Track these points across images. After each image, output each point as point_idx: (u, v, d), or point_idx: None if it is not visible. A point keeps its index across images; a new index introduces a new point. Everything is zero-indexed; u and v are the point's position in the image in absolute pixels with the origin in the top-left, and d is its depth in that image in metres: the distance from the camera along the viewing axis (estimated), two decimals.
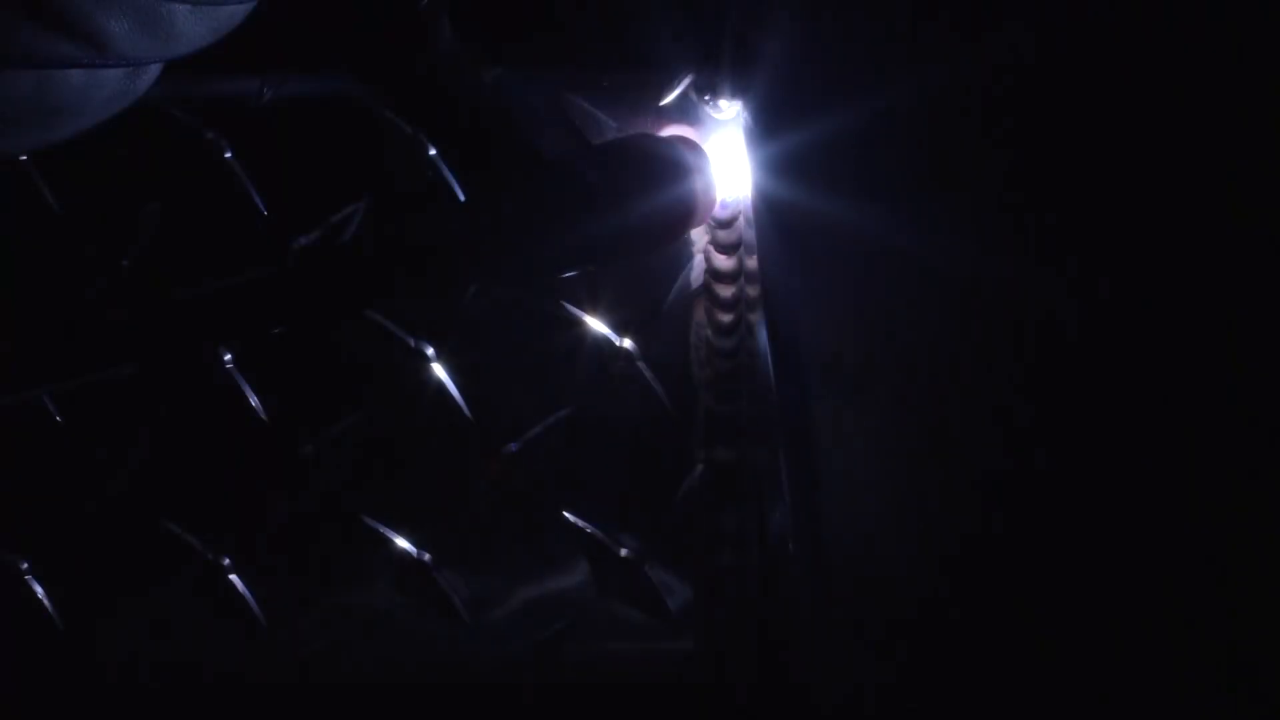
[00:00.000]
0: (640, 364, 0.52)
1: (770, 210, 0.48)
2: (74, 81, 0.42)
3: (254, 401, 0.53)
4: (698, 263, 0.52)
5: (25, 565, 0.54)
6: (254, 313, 0.40)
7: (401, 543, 0.53)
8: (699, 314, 0.52)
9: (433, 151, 0.53)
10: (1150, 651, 0.23)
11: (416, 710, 0.54)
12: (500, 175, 0.44)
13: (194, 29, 0.42)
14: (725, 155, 0.50)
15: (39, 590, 0.54)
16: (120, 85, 0.44)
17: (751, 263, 0.51)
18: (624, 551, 0.52)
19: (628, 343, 0.52)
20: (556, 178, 0.42)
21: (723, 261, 0.52)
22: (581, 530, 0.52)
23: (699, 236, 0.52)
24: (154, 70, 0.46)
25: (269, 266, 0.40)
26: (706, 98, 0.51)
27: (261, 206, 0.53)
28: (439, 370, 0.53)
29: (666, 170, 0.45)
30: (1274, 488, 0.19)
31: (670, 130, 0.51)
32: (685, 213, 0.46)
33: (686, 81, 0.52)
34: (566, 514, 0.53)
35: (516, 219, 0.41)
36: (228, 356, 0.53)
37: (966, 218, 0.32)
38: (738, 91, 0.50)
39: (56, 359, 0.40)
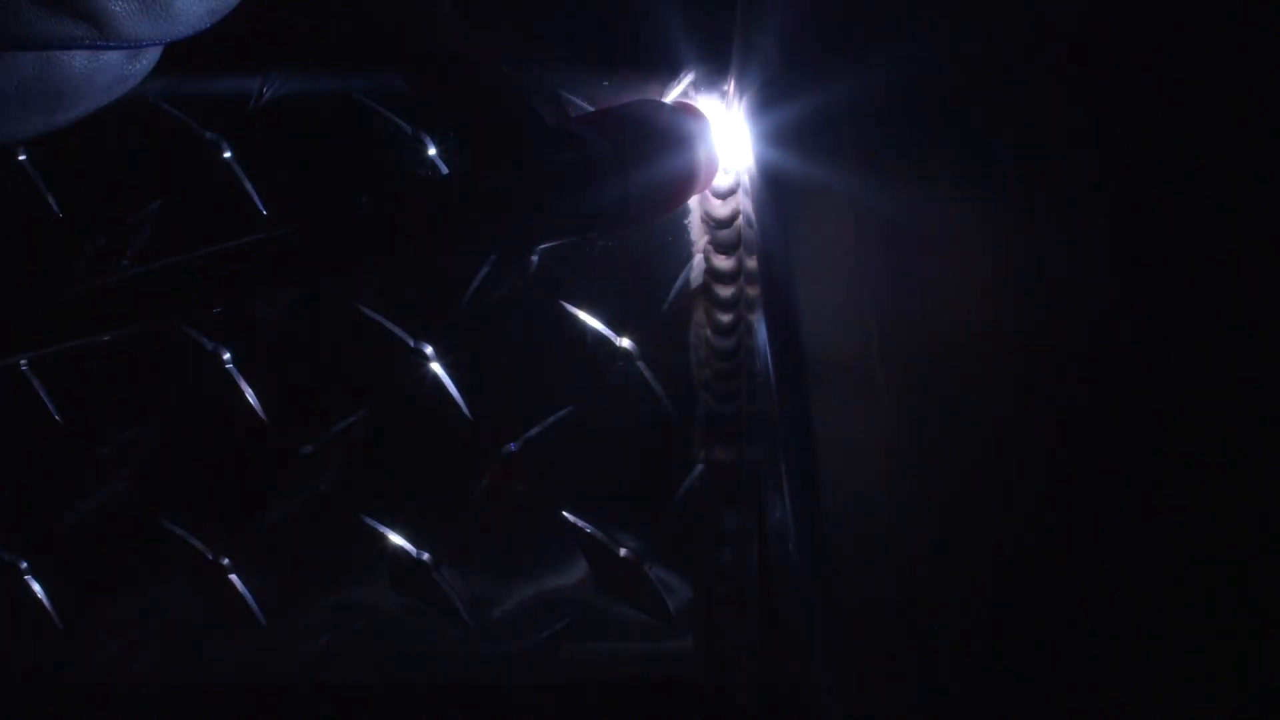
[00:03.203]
0: (640, 364, 0.52)
1: (769, 191, 0.48)
2: (76, 64, 0.42)
3: (254, 401, 0.53)
4: (697, 263, 0.52)
5: (25, 565, 0.54)
6: (245, 272, 0.40)
7: (401, 542, 0.53)
8: (699, 314, 0.52)
9: (432, 151, 0.53)
10: (1157, 656, 0.23)
11: (416, 710, 0.54)
12: (505, 142, 0.43)
13: (192, 9, 0.42)
14: (726, 129, 0.49)
15: (39, 590, 0.54)
16: (121, 69, 0.44)
17: (751, 263, 0.50)
18: (624, 551, 0.52)
19: (627, 343, 0.52)
20: (560, 143, 0.42)
21: (723, 261, 0.52)
22: (581, 530, 0.52)
23: (699, 237, 0.52)
24: (153, 55, 0.46)
25: (273, 227, 0.40)
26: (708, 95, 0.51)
27: (261, 206, 0.53)
28: (439, 370, 0.53)
29: (670, 136, 0.45)
30: None
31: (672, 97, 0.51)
32: (689, 178, 0.46)
33: (688, 80, 0.52)
34: (566, 514, 0.53)
35: (520, 184, 0.41)
36: (227, 355, 0.53)
37: (970, 207, 0.32)
38: (741, 89, 0.50)
39: (28, 328, 0.39)
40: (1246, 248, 0.20)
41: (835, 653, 0.43)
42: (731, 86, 0.50)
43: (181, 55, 0.51)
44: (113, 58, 0.43)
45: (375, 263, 0.45)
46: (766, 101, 0.49)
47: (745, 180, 0.51)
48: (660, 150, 0.44)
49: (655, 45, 0.52)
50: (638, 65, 0.52)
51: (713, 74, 0.51)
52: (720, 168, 0.49)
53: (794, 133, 0.47)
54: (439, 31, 0.47)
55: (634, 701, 0.53)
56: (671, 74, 0.52)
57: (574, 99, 0.52)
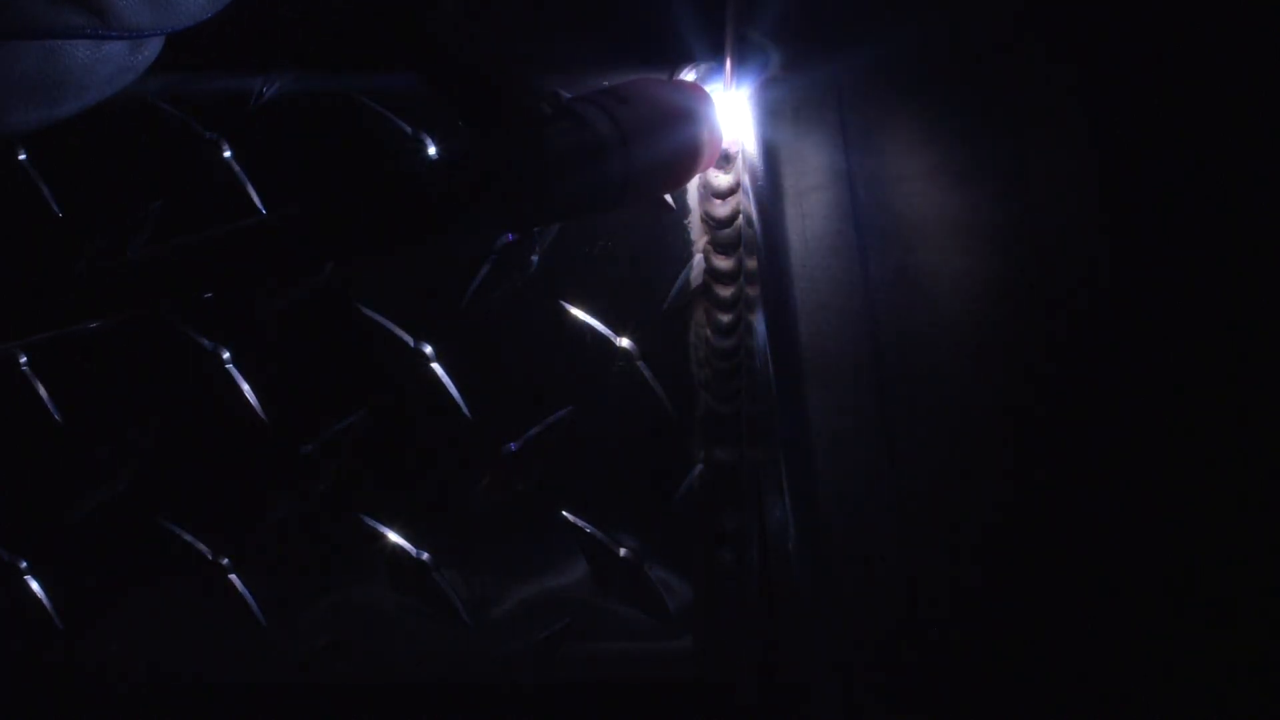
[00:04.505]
0: (640, 364, 0.52)
1: (770, 186, 0.48)
2: (79, 55, 0.42)
3: (254, 401, 0.53)
4: (697, 263, 0.52)
5: (25, 565, 0.54)
6: (247, 256, 0.40)
7: (401, 542, 0.53)
8: (699, 314, 0.52)
9: (432, 150, 0.53)
10: (1151, 650, 0.23)
11: (416, 710, 0.54)
12: (505, 122, 0.43)
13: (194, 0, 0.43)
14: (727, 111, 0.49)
15: (39, 590, 0.54)
16: (123, 60, 0.44)
17: (751, 263, 0.51)
18: (624, 551, 0.52)
19: (627, 342, 0.52)
20: (561, 121, 0.42)
21: (723, 261, 0.52)
22: (581, 530, 0.52)
23: (699, 237, 0.52)
24: (154, 46, 0.46)
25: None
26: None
27: (261, 206, 0.53)
28: (439, 370, 0.53)
29: (672, 113, 0.45)
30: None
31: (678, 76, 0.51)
32: (692, 155, 0.46)
33: (690, 75, 0.52)
34: (566, 514, 0.53)
35: (521, 163, 0.41)
36: (226, 355, 0.53)
37: (969, 204, 0.32)
38: (737, 80, 0.50)
39: (22, 313, 0.39)
40: (1245, 248, 0.19)
41: (835, 652, 0.43)
42: (728, 75, 0.50)
43: (181, 54, 0.51)
44: (115, 48, 0.43)
45: (374, 246, 0.45)
46: (763, 94, 0.49)
47: (746, 180, 0.51)
48: (662, 127, 0.44)
49: (654, 41, 0.52)
50: (637, 62, 0.52)
51: (713, 70, 0.51)
52: (723, 146, 0.48)
53: (793, 124, 0.47)
54: (440, 26, 0.47)
55: (634, 701, 0.53)
56: (673, 70, 0.52)
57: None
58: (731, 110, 0.49)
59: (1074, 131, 0.25)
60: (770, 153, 0.49)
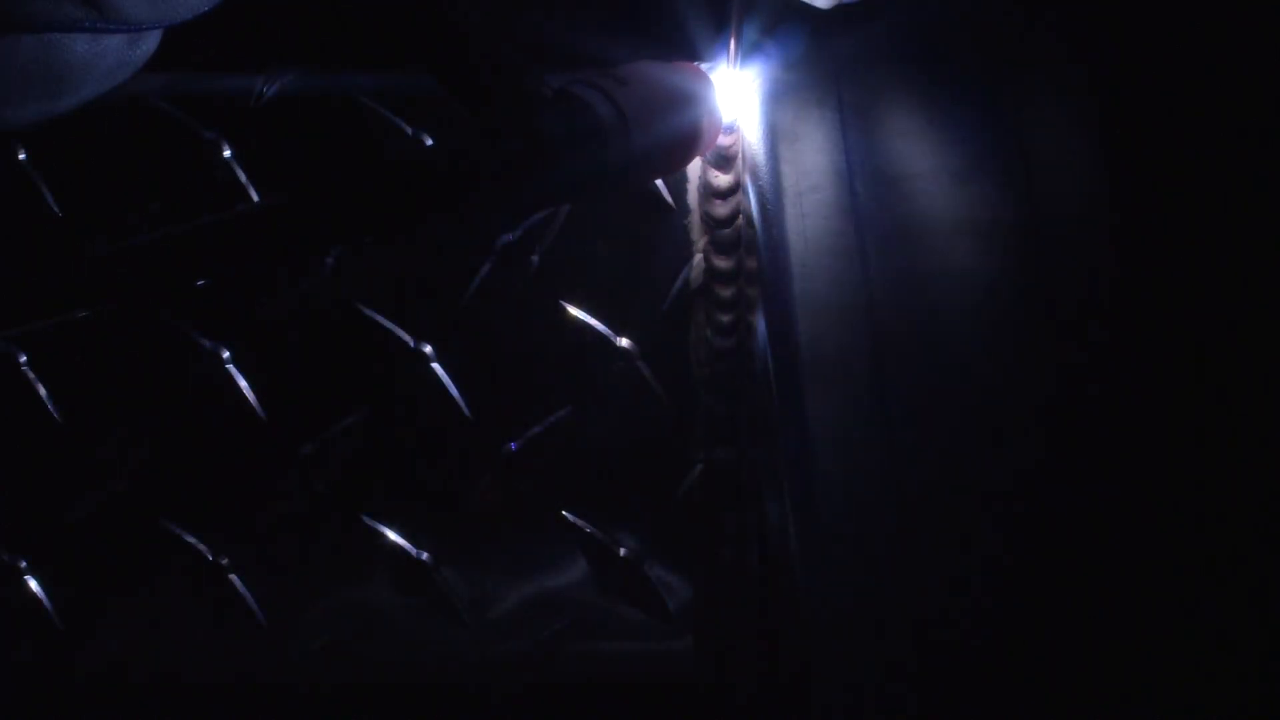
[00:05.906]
0: (640, 364, 0.52)
1: (771, 186, 0.48)
2: (77, 48, 0.42)
3: (254, 401, 0.53)
4: (697, 263, 0.52)
5: (25, 565, 0.54)
6: (237, 243, 0.39)
7: (401, 542, 0.53)
8: (699, 314, 0.52)
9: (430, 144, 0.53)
10: (1147, 653, 0.23)
11: (416, 710, 0.54)
12: (507, 106, 0.43)
13: None
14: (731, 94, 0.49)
15: (39, 590, 0.54)
16: (121, 54, 0.44)
17: (751, 263, 0.50)
18: (624, 551, 0.52)
19: (627, 342, 0.52)
20: (562, 105, 0.42)
21: (723, 261, 0.52)
22: (581, 530, 0.52)
23: (699, 237, 0.52)
24: (152, 40, 0.46)
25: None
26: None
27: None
28: (439, 370, 0.53)
29: (672, 96, 0.45)
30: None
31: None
32: (692, 138, 0.46)
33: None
34: (566, 514, 0.53)
35: (522, 147, 0.40)
36: (226, 354, 0.53)
37: (970, 203, 0.32)
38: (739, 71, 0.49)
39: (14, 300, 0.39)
40: (1251, 246, 0.20)
41: (835, 652, 0.43)
42: (730, 59, 0.49)
43: (181, 54, 0.51)
44: (113, 42, 0.43)
45: (371, 232, 0.44)
46: (763, 93, 0.49)
47: (746, 180, 0.51)
48: (663, 110, 0.44)
49: (657, 31, 0.52)
50: (638, 50, 0.52)
51: (715, 59, 0.51)
52: (721, 130, 0.48)
53: (793, 124, 0.47)
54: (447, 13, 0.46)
55: (634, 701, 0.53)
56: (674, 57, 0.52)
57: None
58: (732, 93, 0.49)
59: (1078, 130, 0.25)
60: (771, 152, 0.49)
